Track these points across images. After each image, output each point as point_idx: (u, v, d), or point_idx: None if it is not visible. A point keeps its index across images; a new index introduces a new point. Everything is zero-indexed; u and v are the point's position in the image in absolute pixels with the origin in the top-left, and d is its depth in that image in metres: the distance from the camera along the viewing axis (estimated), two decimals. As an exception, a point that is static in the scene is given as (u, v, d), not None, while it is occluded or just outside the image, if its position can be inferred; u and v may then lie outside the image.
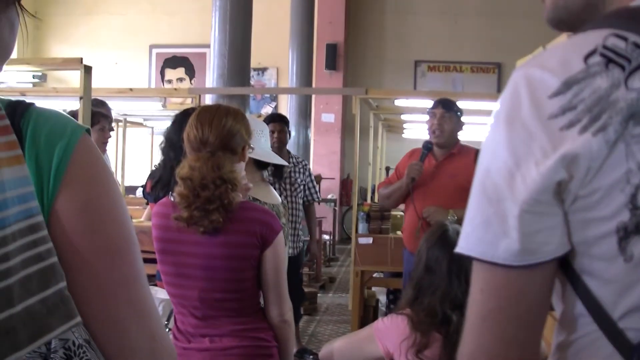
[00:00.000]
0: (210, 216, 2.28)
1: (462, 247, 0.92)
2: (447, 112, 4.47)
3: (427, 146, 4.47)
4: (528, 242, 0.86)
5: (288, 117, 6.32)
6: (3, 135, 0.77)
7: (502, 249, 0.87)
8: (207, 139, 2.35)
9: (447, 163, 4.45)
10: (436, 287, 2.32)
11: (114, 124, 5.18)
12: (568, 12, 1.02)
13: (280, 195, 5.32)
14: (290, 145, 8.43)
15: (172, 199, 2.42)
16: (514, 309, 0.89)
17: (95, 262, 0.88)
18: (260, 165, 3.59)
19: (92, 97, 5.39)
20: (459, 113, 4.56)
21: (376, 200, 9.34)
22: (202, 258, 2.35)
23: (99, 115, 4.51)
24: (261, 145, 3.47)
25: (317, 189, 5.88)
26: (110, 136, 4.60)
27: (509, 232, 0.86)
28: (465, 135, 4.75)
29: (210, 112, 2.42)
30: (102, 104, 5.17)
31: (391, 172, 5.79)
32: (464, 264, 2.27)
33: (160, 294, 3.51)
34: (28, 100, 0.93)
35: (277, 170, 4.36)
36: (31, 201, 0.78)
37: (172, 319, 2.64)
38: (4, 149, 0.77)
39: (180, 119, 3.58)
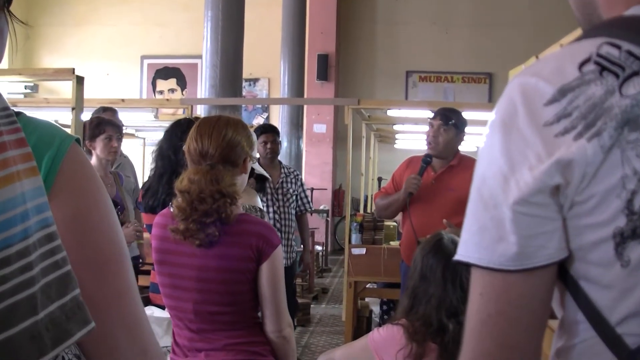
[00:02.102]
0: (207, 229, 2.25)
1: (461, 254, 0.93)
2: (443, 125, 4.40)
3: (427, 160, 4.40)
4: (526, 245, 0.87)
5: (280, 127, 6.32)
6: (20, 147, 0.79)
7: (499, 253, 0.88)
8: (206, 152, 2.33)
9: (446, 175, 4.40)
10: (431, 295, 2.32)
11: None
12: (580, 23, 1.05)
13: (272, 206, 5.35)
14: (282, 156, 8.45)
15: (172, 209, 2.38)
16: (514, 313, 0.89)
17: (84, 275, 0.87)
18: None
19: (100, 105, 5.39)
20: (459, 125, 4.47)
21: (369, 210, 9.35)
22: (196, 270, 2.32)
23: (104, 124, 4.43)
24: None
25: (309, 199, 5.88)
26: (116, 144, 4.42)
27: (506, 237, 0.87)
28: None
29: (210, 123, 2.38)
30: (107, 110, 5.15)
31: (384, 182, 5.77)
32: (458, 271, 2.28)
33: (157, 312, 3.49)
34: (19, 110, 0.92)
35: (260, 183, 4.32)
36: (47, 211, 0.80)
37: None
38: (22, 161, 0.79)
39: (171, 129, 3.60)
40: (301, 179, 5.80)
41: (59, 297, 0.77)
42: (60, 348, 0.76)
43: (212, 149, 2.32)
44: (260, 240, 2.29)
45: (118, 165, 5.21)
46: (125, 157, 5.54)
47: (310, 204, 5.93)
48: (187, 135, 2.44)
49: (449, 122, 4.42)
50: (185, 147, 2.40)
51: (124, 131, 4.84)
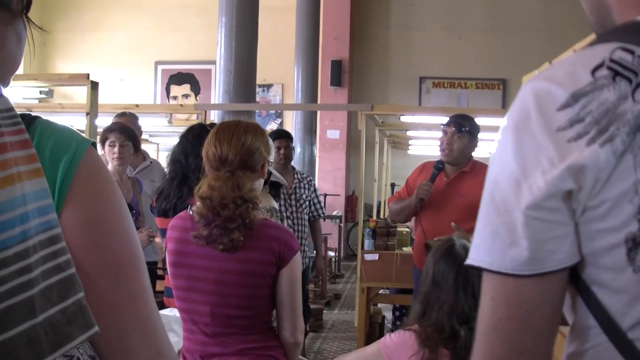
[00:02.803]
0: (231, 235, 2.26)
1: (472, 258, 0.93)
2: (457, 132, 4.37)
3: (438, 166, 4.40)
4: (537, 250, 0.87)
5: (293, 133, 6.32)
6: (23, 149, 0.79)
7: (510, 258, 0.88)
8: (226, 157, 2.33)
9: (457, 181, 4.39)
10: (443, 302, 2.32)
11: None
12: (594, 28, 1.04)
13: (285, 211, 5.35)
14: (296, 162, 8.46)
15: (190, 212, 2.39)
16: (524, 318, 0.89)
17: (99, 278, 0.88)
18: None
19: (116, 111, 5.35)
20: (472, 131, 4.44)
21: (382, 216, 9.34)
22: (216, 272, 2.32)
23: (109, 130, 4.33)
24: None
25: (322, 204, 5.88)
26: (118, 150, 4.25)
27: (518, 241, 0.87)
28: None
29: (229, 129, 2.39)
30: (122, 116, 5.12)
31: (397, 188, 5.76)
32: (470, 277, 2.27)
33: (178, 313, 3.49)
34: (37, 115, 0.93)
35: (274, 188, 4.33)
36: (50, 213, 0.79)
37: None
38: (25, 162, 0.78)
39: (185, 134, 3.63)
40: (314, 184, 5.80)
41: (61, 300, 0.77)
42: (59, 352, 0.75)
43: (232, 155, 2.33)
44: (281, 245, 2.31)
45: (144, 168, 5.16)
46: (154, 160, 5.46)
47: (323, 209, 5.93)
48: (199, 140, 2.45)
49: (463, 129, 4.40)
50: (203, 153, 2.41)
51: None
